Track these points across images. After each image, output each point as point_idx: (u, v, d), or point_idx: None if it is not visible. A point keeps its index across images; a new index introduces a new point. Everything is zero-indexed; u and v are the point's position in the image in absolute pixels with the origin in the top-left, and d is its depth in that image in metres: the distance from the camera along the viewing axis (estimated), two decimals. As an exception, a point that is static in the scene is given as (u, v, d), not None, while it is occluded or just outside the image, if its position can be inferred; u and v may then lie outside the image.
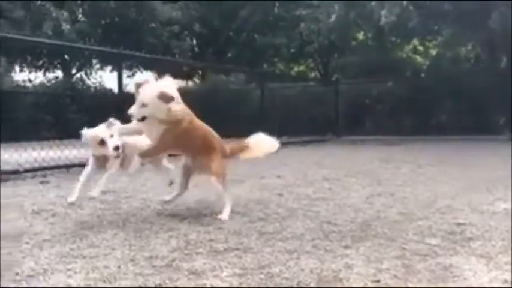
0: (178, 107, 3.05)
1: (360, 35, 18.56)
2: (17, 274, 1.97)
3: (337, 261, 2.11)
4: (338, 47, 18.97)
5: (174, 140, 3.08)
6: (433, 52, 18.63)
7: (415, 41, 18.41)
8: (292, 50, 20.74)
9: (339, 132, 13.04)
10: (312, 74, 23.36)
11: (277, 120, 12.83)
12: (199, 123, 3.30)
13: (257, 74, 14.96)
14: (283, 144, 10.78)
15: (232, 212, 3.22)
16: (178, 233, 2.66)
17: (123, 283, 1.86)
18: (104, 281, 1.89)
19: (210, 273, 1.98)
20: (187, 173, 3.37)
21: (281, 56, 21.38)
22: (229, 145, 3.44)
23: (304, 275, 1.93)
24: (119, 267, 2.07)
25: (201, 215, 3.16)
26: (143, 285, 1.83)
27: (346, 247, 2.32)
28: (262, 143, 3.56)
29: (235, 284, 1.84)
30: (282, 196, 3.86)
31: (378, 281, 1.85)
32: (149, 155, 3.25)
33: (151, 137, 3.09)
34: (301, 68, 24.11)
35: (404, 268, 2.01)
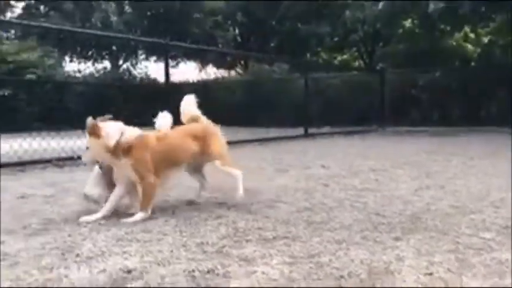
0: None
1: (407, 23, 18.01)
2: (77, 255, 2.08)
3: (387, 252, 2.09)
4: (384, 36, 18.53)
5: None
6: (485, 40, 17.85)
7: (466, 29, 17.67)
8: (336, 39, 20.44)
9: (383, 122, 12.78)
10: (356, 63, 22.96)
11: (320, 110, 12.75)
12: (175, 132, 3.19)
13: (301, 63, 14.85)
14: (326, 135, 10.73)
15: (279, 201, 3.25)
16: (226, 221, 2.71)
17: (177, 267, 1.92)
18: (159, 264, 1.96)
19: (260, 260, 2.01)
20: (195, 170, 3.32)
21: (324, 45, 21.09)
22: None
23: (355, 265, 1.93)
24: (172, 251, 2.13)
25: (248, 203, 3.20)
26: (196, 270, 1.88)
27: (396, 239, 2.29)
28: None
29: (286, 272, 1.86)
30: (327, 186, 3.84)
31: (430, 274, 1.83)
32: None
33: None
34: (345, 57, 23.74)
35: (458, 262, 1.96)
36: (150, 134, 3.01)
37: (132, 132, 2.90)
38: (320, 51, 22.23)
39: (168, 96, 8.12)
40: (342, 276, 1.81)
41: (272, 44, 22.56)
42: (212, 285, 1.72)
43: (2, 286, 1.39)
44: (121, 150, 2.80)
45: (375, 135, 11.04)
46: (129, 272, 1.87)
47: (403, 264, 1.94)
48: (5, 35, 19.52)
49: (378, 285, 1.72)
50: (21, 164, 4.90)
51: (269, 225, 2.60)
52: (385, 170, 4.78)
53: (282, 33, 20.95)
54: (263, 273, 1.85)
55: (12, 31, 19.05)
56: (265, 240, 2.31)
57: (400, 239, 2.29)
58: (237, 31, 23.49)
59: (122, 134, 2.84)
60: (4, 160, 5.15)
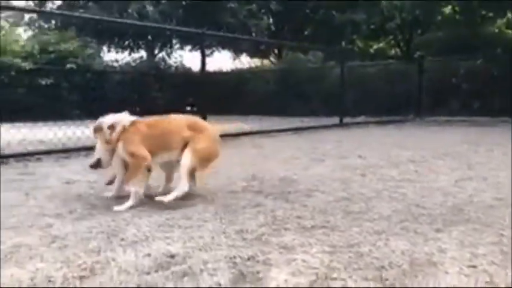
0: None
1: (447, 9, 17.42)
2: (122, 240, 2.15)
3: (429, 244, 2.07)
4: (422, 23, 18.01)
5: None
6: (530, 26, 17.08)
7: (509, 14, 16.93)
8: (372, 27, 20.00)
9: (421, 112, 12.48)
10: (392, 51, 22.44)
11: (355, 100, 12.57)
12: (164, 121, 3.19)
13: (336, 52, 14.64)
14: (361, 124, 10.58)
15: (316, 190, 3.25)
16: (265, 209, 2.74)
17: (219, 253, 1.96)
18: (200, 250, 2.01)
19: (300, 248, 2.02)
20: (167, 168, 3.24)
21: (360, 33, 20.69)
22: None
23: (395, 256, 1.92)
24: (213, 238, 2.18)
25: (285, 192, 3.21)
26: (237, 256, 1.91)
27: (437, 231, 2.26)
28: None
29: (326, 261, 1.87)
30: (365, 176, 3.81)
31: (474, 267, 1.80)
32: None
33: None
34: (381, 45, 23.23)
35: (503, 255, 1.92)
36: (141, 120, 3.13)
37: (126, 120, 3.06)
38: (355, 39, 21.82)
39: (203, 85, 8.22)
40: (382, 267, 1.80)
41: (306, 33, 22.31)
42: (253, 272, 1.75)
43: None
44: (116, 138, 2.98)
45: (412, 125, 10.81)
46: (172, 256, 1.92)
47: (446, 256, 1.92)
48: (46, 25, 20.11)
49: (420, 277, 1.70)
50: (66, 151, 5.08)
51: (307, 214, 2.61)
52: (425, 160, 4.69)
53: (316, 22, 20.68)
54: (303, 261, 1.87)
55: (53, 21, 19.59)
56: (304, 229, 2.32)
57: (442, 231, 2.26)
58: (271, 20, 23.35)
59: (117, 123, 3.01)
60: (50, 147, 5.36)
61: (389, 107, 12.59)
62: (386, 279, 1.68)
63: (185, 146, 3.00)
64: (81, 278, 1.70)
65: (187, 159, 2.93)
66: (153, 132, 3.05)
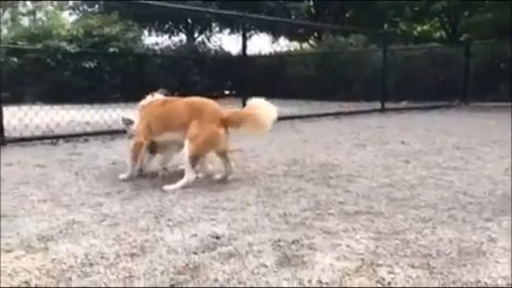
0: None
1: (497, -10, 16.59)
2: (169, 220, 2.21)
3: (477, 233, 2.02)
4: (470, 4, 17.23)
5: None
6: None
7: None
8: (416, 9, 19.32)
9: (467, 97, 12.04)
10: (437, 34, 21.65)
11: (398, 84, 12.26)
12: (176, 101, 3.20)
13: (378, 35, 14.25)
14: (404, 110, 10.31)
15: (359, 176, 3.22)
16: (306, 193, 2.74)
17: (263, 236, 1.98)
18: (244, 232, 2.04)
19: (344, 234, 2.02)
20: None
21: (403, 16, 20.04)
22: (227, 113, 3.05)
23: (443, 244, 1.88)
24: (256, 220, 2.21)
25: (327, 177, 3.20)
26: (281, 240, 1.93)
27: (486, 220, 2.20)
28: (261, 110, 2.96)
29: (371, 247, 1.86)
30: (409, 163, 3.73)
31: (526, 258, 1.74)
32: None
33: None
34: (425, 27, 22.46)
35: (557, 247, 1.85)
36: (160, 99, 3.24)
37: (147, 99, 3.30)
38: (398, 21, 21.18)
39: (243, 69, 8.23)
40: (430, 255, 1.78)
41: (347, 15, 21.84)
42: (298, 256, 1.76)
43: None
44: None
45: (457, 110, 10.46)
46: (218, 238, 1.96)
47: (495, 245, 1.87)
48: (89, 9, 20.60)
49: (469, 266, 1.67)
50: (111, 133, 5.23)
51: (350, 199, 2.60)
52: (471, 147, 4.54)
53: (358, 4, 20.18)
54: (348, 246, 1.86)
55: (96, 6, 20.04)
56: (347, 215, 2.31)
57: (491, 220, 2.20)
58: (311, 2, 22.98)
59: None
60: (96, 129, 5.54)
61: (434, 92, 12.20)
62: (434, 267, 1.66)
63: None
64: (132, 255, 1.77)
65: (186, 148, 2.91)
66: (160, 112, 3.14)
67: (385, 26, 19.86)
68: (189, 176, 2.91)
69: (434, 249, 1.83)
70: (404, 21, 21.23)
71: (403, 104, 11.38)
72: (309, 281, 1.54)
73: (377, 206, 2.46)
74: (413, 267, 1.66)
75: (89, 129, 5.58)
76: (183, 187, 2.84)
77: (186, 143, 2.92)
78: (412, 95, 12.14)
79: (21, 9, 28.56)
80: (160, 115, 3.14)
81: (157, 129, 3.13)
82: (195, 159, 2.95)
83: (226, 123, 2.99)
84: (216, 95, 13.10)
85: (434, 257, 1.76)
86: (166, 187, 2.83)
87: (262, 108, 2.97)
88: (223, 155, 3.09)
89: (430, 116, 9.00)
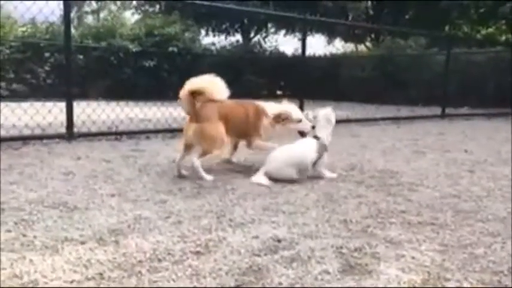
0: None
1: None
2: (230, 220, 2.26)
3: (552, 252, 1.92)
4: (541, 6, 16.27)
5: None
6: None
7: None
8: (482, 10, 18.46)
9: (534, 105, 11.36)
10: (503, 38, 20.59)
11: (459, 89, 11.78)
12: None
13: (440, 37, 13.74)
14: (465, 116, 9.89)
15: (420, 185, 3.13)
16: (367, 200, 2.70)
17: (325, 241, 1.98)
18: (305, 237, 2.04)
19: (408, 244, 1.98)
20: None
21: (468, 18, 19.21)
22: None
23: (515, 261, 1.81)
24: (317, 225, 2.20)
25: (387, 184, 3.14)
26: (344, 247, 1.92)
27: (562, 238, 2.08)
28: None
29: (438, 260, 1.81)
30: (473, 173, 3.59)
31: None
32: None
33: None
34: (490, 30, 21.41)
35: None
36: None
37: None
38: (462, 23, 20.33)
39: (298, 70, 8.21)
40: (501, 272, 1.71)
41: (407, 16, 21.23)
42: (362, 264, 1.75)
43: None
44: None
45: (523, 118, 9.91)
46: (279, 241, 1.98)
47: None
48: (151, 9, 21.29)
49: (545, 287, 1.59)
50: (172, 131, 5.39)
51: (412, 209, 2.53)
52: (541, 159, 4.30)
53: (419, 4, 19.55)
54: (413, 258, 1.83)
55: (158, 6, 20.68)
56: (410, 225, 2.26)
57: None
58: (369, 3, 22.54)
59: None
60: (157, 126, 5.72)
61: (497, 98, 11.62)
62: (506, 286, 1.59)
63: None
64: (198, 253, 1.82)
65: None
66: None
67: (447, 28, 19.13)
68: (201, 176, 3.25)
69: (506, 266, 1.76)
70: (468, 23, 20.35)
71: (465, 109, 10.93)
72: (374, 291, 1.53)
73: (442, 217, 2.39)
74: (483, 283, 1.61)
75: (150, 126, 5.78)
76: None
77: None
78: (474, 101, 11.64)
79: (87, 8, 30.02)
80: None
81: None
82: (203, 155, 3.34)
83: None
84: (267, 95, 13.16)
85: (505, 274, 1.69)
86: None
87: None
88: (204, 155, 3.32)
89: (494, 123, 8.59)
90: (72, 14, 25.62)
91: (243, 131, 3.52)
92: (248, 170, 3.49)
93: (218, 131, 3.23)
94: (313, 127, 3.43)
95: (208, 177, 3.17)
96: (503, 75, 12.46)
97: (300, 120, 3.56)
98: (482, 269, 1.73)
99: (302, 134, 3.56)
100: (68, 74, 5.01)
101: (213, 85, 3.29)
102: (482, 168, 3.81)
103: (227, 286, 1.55)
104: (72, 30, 17.33)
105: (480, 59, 13.44)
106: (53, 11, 6.55)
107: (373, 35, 22.19)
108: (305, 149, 3.25)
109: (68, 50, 4.92)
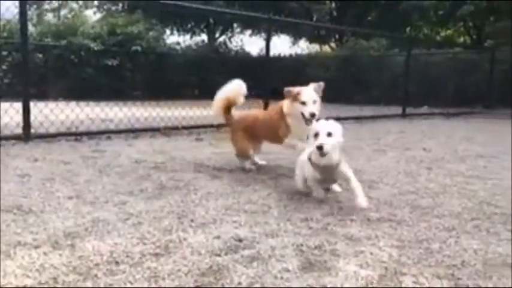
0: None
1: (524, -5, 16.26)
2: (191, 220, 2.23)
3: (503, 244, 1.99)
4: (497, 9, 16.94)
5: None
6: None
7: None
8: (441, 13, 19.07)
9: (491, 104, 11.84)
10: (461, 39, 21.34)
11: (419, 89, 12.13)
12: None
13: (401, 39, 14.10)
14: (425, 115, 10.18)
15: (380, 182, 3.20)
16: (328, 198, 2.73)
17: (286, 240, 1.99)
18: (267, 236, 2.05)
19: (367, 241, 2.01)
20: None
21: (427, 19, 19.78)
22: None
23: (468, 255, 1.86)
24: (278, 224, 2.21)
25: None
26: (304, 245, 1.93)
27: (512, 231, 2.17)
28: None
29: (395, 255, 1.85)
30: (431, 170, 3.70)
31: (555, 273, 1.71)
32: None
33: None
34: (449, 32, 22.15)
35: None
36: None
37: None
38: (422, 25, 20.93)
39: (264, 70, 8.22)
40: (454, 265, 1.76)
41: (370, 18, 21.69)
42: (321, 261, 1.76)
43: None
44: None
45: (480, 117, 10.30)
46: (240, 240, 1.97)
47: (522, 259, 1.84)
48: (113, 8, 20.89)
49: (495, 278, 1.65)
50: (134, 131, 5.30)
51: (372, 206, 2.58)
52: (495, 156, 4.47)
53: (381, 6, 20.02)
54: (371, 254, 1.86)
55: (120, 4, 20.32)
56: (370, 221, 2.30)
57: (517, 232, 2.16)
58: (333, 4, 22.89)
59: None
60: (119, 127, 5.61)
61: (456, 98, 12.06)
62: (459, 279, 1.64)
63: None
64: (157, 255, 1.79)
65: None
66: None
67: (408, 30, 19.66)
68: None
69: (459, 260, 1.81)
70: (428, 25, 20.98)
71: (424, 109, 11.25)
72: (333, 288, 1.54)
73: (400, 213, 2.45)
74: (438, 277, 1.65)
75: (112, 126, 5.66)
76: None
77: None
78: (433, 101, 12.00)
79: (46, 6, 29.15)
80: None
81: None
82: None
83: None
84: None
85: (459, 268, 1.74)
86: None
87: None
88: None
89: (452, 122, 8.89)
90: (32, 12, 24.86)
91: (271, 134, 3.55)
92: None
93: (238, 142, 3.63)
94: (313, 115, 3.17)
95: (248, 165, 3.58)
96: (462, 76, 12.92)
97: (303, 103, 3.23)
98: (437, 263, 1.78)
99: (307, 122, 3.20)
100: (25, 73, 4.84)
101: (233, 93, 3.65)
102: (439, 165, 3.93)
103: (186, 287, 1.53)
104: (31, 28, 16.84)
105: (439, 60, 13.90)
106: (8, 8, 6.30)
107: (337, 36, 22.56)
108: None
109: (24, 49, 4.76)
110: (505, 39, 14.89)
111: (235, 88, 3.65)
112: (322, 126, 2.60)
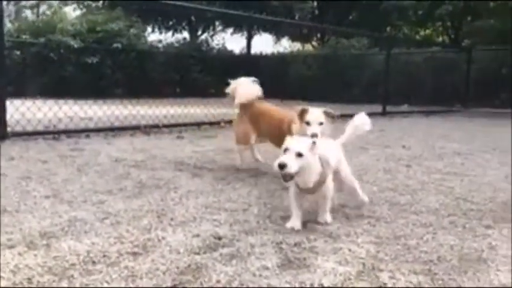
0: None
1: (501, -4, 16.58)
2: (171, 219, 2.22)
3: (478, 240, 2.03)
4: (473, 9, 17.25)
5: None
6: None
7: None
8: (420, 12, 19.32)
9: (468, 103, 12.06)
10: (439, 39, 21.67)
11: (399, 88, 12.27)
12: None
13: (381, 38, 14.25)
14: (405, 113, 10.30)
15: (360, 180, 3.21)
16: (308, 196, 2.74)
17: (265, 237, 1.99)
18: (246, 233, 2.04)
19: (345, 238, 2.03)
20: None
21: (407, 19, 20.03)
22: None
23: (444, 250, 1.89)
24: (258, 222, 2.21)
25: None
26: (283, 241, 1.94)
27: (487, 227, 2.21)
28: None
29: (373, 251, 1.87)
30: (410, 168, 3.74)
31: (527, 267, 1.75)
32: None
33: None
34: (428, 31, 22.47)
35: (558, 256, 1.86)
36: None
37: None
38: (402, 25, 21.19)
39: (246, 68, 8.22)
40: (431, 261, 1.79)
41: (351, 17, 21.86)
42: (300, 258, 1.77)
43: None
44: None
45: (458, 116, 10.47)
46: (219, 238, 1.97)
47: (497, 253, 1.88)
48: (94, 5, 20.59)
49: (470, 273, 1.68)
50: (113, 130, 5.24)
51: (351, 203, 2.60)
52: (471, 153, 4.55)
53: (361, 6, 20.18)
54: (349, 250, 1.87)
55: (100, 1, 20.04)
56: (349, 219, 2.32)
57: (492, 227, 2.21)
58: (315, 3, 22.99)
59: None
60: (99, 125, 5.54)
61: (434, 96, 12.24)
62: (435, 274, 1.66)
63: None
64: (135, 254, 1.77)
65: None
66: None
67: (388, 29, 19.87)
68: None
69: (435, 255, 1.84)
70: (408, 25, 21.24)
71: (404, 107, 11.39)
72: (311, 284, 1.55)
73: (379, 210, 2.47)
74: (415, 273, 1.67)
75: (91, 125, 5.59)
76: None
77: None
78: (413, 99, 12.16)
79: (24, 2, 28.59)
80: None
81: None
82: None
83: None
84: (215, 94, 13.11)
85: (435, 263, 1.76)
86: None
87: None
88: None
89: (430, 120, 9.02)
90: (10, 8, 24.36)
91: (275, 136, 3.34)
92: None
93: (240, 129, 3.55)
94: (314, 135, 2.97)
95: (239, 161, 3.55)
96: (440, 75, 13.12)
97: (307, 123, 3.15)
98: (415, 259, 1.80)
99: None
100: (1, 71, 4.74)
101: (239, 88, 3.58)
102: (418, 162, 3.98)
103: (163, 286, 1.52)
104: (9, 25, 16.51)
105: (418, 59, 14.08)
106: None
107: (319, 35, 22.66)
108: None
109: (0, 45, 4.66)
110: (481, 39, 15.18)
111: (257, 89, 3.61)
112: (293, 143, 2.10)
